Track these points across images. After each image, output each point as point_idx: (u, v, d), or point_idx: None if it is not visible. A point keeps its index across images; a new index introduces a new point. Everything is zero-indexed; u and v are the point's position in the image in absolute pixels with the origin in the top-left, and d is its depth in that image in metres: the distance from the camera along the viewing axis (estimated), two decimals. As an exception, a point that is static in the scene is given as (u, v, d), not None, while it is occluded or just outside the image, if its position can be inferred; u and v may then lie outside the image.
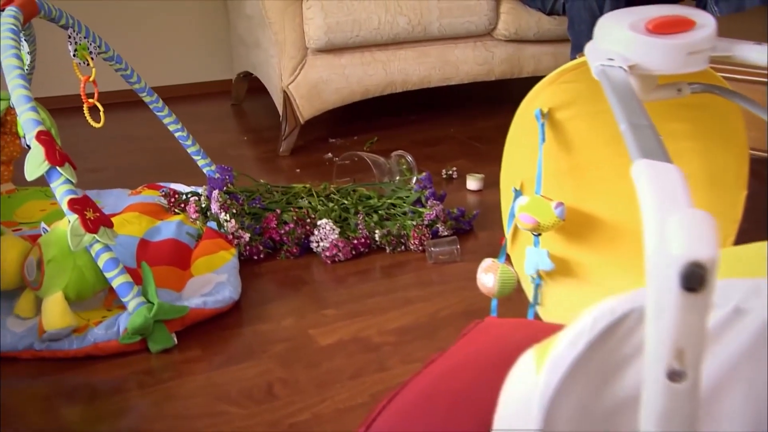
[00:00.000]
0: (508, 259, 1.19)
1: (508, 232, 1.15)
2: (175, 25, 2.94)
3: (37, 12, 1.38)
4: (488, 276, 1.11)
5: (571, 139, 1.06)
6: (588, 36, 2.08)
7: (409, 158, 1.97)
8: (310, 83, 2.22)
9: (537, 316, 1.14)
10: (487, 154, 2.23)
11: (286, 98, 2.22)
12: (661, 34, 0.81)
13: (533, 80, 2.76)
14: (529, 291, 1.16)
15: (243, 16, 2.44)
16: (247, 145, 2.41)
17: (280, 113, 2.26)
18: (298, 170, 2.15)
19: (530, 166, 1.10)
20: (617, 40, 0.83)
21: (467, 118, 2.57)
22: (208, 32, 2.98)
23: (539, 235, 1.09)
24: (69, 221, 1.20)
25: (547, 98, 1.04)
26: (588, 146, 1.06)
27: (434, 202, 1.64)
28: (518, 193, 1.11)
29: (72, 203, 1.20)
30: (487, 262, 1.13)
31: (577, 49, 2.09)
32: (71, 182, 1.22)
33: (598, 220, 1.09)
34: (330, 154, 2.26)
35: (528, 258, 1.10)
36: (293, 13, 2.14)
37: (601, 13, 2.08)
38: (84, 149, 2.30)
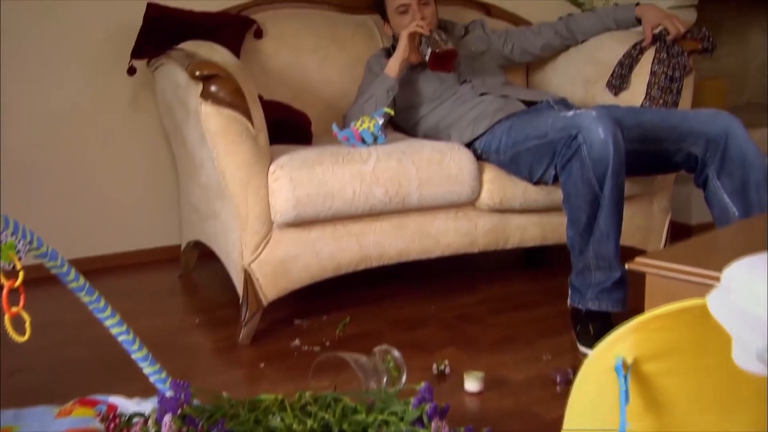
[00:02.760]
0: None
1: None
2: (117, 189, 2.64)
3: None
4: None
5: (661, 397, 0.82)
6: (587, 211, 1.88)
7: (396, 353, 1.70)
8: (276, 260, 1.96)
9: None
10: (478, 340, 1.98)
11: (248, 278, 1.95)
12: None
13: (518, 251, 2.52)
14: None
15: (197, 184, 2.19)
16: (199, 331, 2.09)
17: (240, 295, 1.98)
18: (262, 364, 1.84)
19: (605, 427, 0.84)
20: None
21: (447, 291, 2.32)
22: (154, 197, 2.68)
23: None
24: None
25: (631, 346, 0.80)
26: (683, 408, 0.82)
27: (439, 423, 1.35)
28: (589, 463, 0.85)
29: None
30: None
31: (575, 225, 1.89)
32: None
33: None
34: (298, 341, 1.97)
35: None
36: (257, 184, 1.91)
37: (602, 189, 1.90)
38: (3, 344, 1.94)
